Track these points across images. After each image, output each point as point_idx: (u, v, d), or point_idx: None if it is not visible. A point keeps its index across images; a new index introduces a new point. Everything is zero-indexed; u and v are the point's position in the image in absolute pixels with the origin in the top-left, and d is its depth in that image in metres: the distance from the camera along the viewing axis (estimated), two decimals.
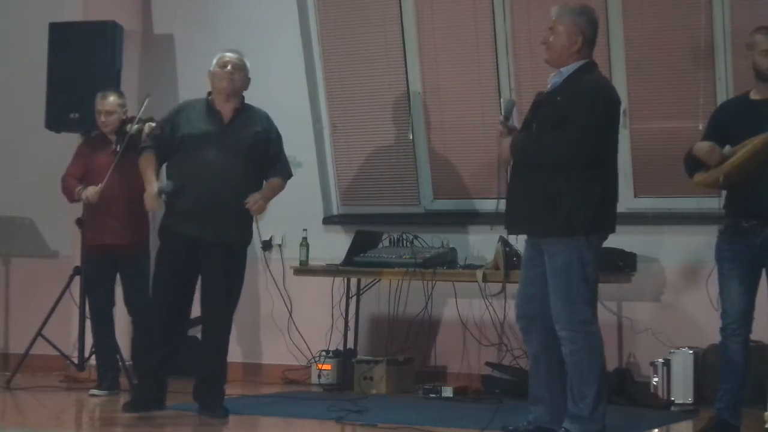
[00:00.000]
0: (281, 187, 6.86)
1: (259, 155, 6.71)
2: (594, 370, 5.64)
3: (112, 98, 7.67)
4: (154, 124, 7.01)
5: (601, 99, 5.67)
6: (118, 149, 7.46)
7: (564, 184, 5.61)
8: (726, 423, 5.95)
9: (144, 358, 6.84)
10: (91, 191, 7.54)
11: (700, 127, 7.57)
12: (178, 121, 6.70)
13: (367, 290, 8.32)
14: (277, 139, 6.84)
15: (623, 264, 7.49)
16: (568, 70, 5.73)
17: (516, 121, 6.14)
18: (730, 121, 6.06)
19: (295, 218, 8.40)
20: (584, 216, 5.63)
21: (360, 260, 7.92)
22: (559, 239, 5.64)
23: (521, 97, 7.70)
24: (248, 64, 6.81)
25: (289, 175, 6.93)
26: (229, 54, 6.75)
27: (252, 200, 6.61)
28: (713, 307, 6.27)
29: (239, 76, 6.70)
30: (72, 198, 7.69)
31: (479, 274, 7.55)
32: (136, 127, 7.31)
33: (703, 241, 7.59)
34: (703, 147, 6.01)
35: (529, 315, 5.83)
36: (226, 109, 6.70)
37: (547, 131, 5.68)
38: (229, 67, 6.67)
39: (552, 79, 5.81)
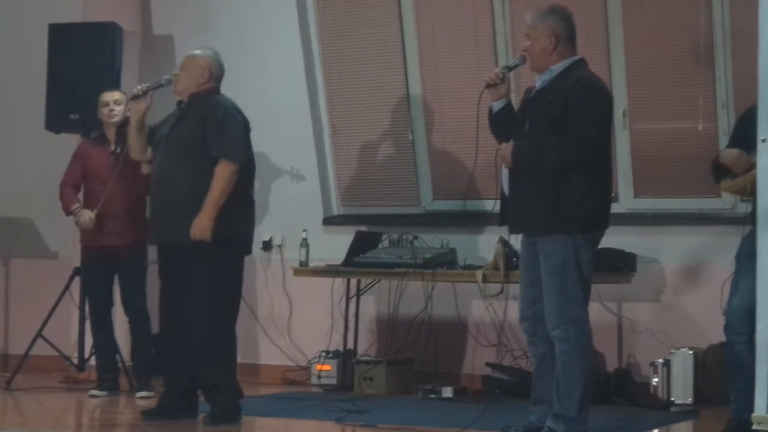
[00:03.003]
0: (226, 175, 6.23)
1: (197, 147, 6.30)
2: (582, 370, 5.63)
3: (117, 92, 7.69)
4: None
5: (597, 96, 5.68)
6: (117, 151, 7.47)
7: (563, 183, 5.61)
8: (745, 423, 5.89)
9: (172, 384, 6.53)
10: (86, 217, 7.52)
11: (700, 128, 7.59)
12: (156, 126, 6.60)
13: (367, 291, 8.32)
14: (214, 121, 6.30)
15: (623, 264, 7.47)
16: (558, 67, 5.74)
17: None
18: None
19: (295, 218, 8.39)
20: (584, 214, 5.62)
21: (360, 261, 7.91)
22: (556, 237, 5.62)
23: (521, 97, 7.66)
24: (202, 54, 6.50)
25: (236, 154, 6.27)
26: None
27: (194, 230, 6.23)
28: (719, 306, 6.22)
29: (184, 75, 6.48)
30: (67, 213, 7.68)
31: (479, 274, 7.54)
32: None
33: (703, 241, 7.61)
34: (730, 154, 5.84)
35: (534, 317, 5.80)
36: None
37: (543, 132, 5.66)
38: (176, 71, 6.56)
39: (542, 77, 5.80)
